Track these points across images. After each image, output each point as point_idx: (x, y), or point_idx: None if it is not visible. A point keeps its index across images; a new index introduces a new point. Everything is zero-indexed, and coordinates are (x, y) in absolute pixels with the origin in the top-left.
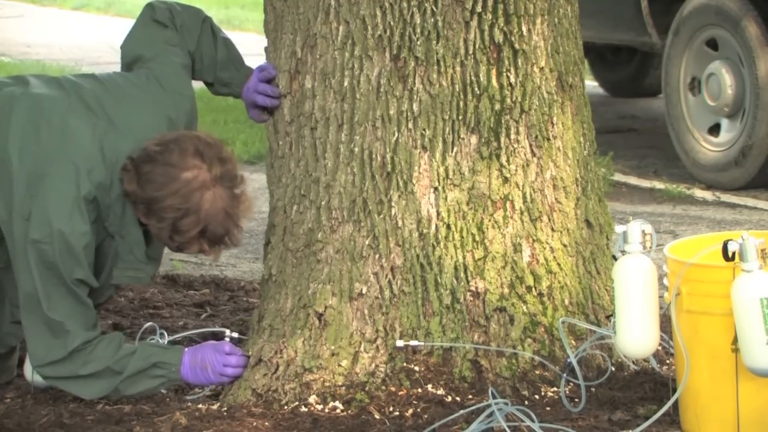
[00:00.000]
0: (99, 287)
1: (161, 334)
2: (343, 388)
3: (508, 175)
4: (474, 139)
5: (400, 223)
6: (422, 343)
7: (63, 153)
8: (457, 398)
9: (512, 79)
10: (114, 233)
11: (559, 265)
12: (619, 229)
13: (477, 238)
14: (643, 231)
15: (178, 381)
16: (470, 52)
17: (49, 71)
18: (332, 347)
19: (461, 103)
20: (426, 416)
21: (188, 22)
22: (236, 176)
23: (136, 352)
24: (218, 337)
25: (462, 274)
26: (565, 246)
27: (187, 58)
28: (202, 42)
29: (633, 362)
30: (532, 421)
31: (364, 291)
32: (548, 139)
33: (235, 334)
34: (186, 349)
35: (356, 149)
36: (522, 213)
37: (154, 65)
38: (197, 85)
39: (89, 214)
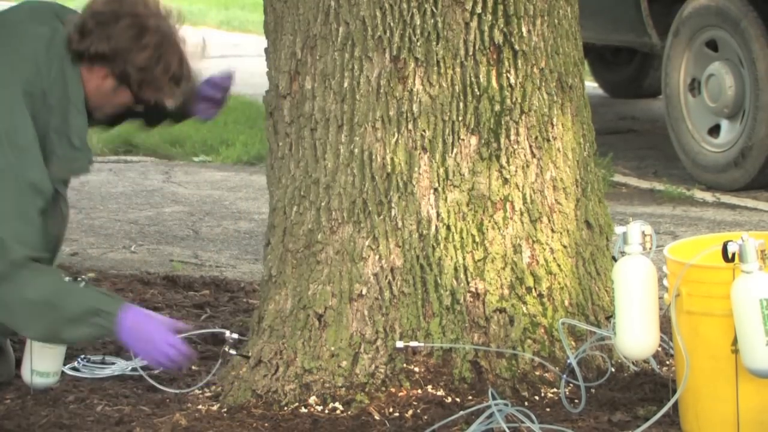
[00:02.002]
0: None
1: None
2: (343, 389)
3: (508, 176)
4: (474, 140)
5: (400, 224)
6: (422, 344)
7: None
8: (457, 399)
9: (512, 80)
10: (48, 127)
11: (559, 266)
12: (618, 230)
13: (477, 239)
14: (643, 232)
15: (113, 335)
16: (470, 53)
17: None
18: (332, 348)
19: (461, 104)
20: (426, 417)
21: None
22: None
23: (77, 291)
24: (219, 338)
25: (462, 275)
26: (565, 247)
27: None
28: None
29: (633, 363)
30: (532, 422)
31: (363, 292)
32: (548, 140)
33: (235, 335)
34: (132, 307)
35: (356, 150)
36: (522, 214)
37: None
38: None
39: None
